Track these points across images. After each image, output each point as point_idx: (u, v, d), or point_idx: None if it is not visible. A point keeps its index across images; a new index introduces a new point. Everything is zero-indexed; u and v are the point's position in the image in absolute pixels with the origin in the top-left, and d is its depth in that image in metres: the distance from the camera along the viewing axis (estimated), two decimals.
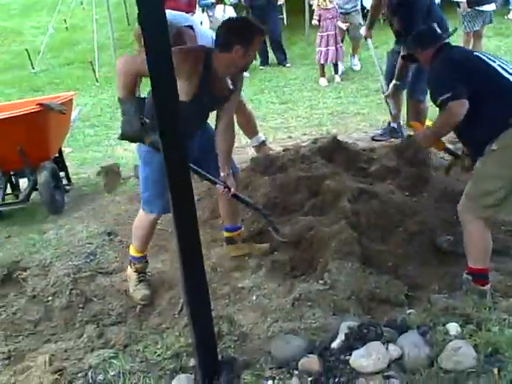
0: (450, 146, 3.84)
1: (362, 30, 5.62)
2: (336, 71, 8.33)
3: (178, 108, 2.31)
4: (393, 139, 5.56)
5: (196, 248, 2.67)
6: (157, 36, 2.19)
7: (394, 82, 5.20)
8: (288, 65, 9.22)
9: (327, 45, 8.00)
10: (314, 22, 8.20)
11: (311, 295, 3.29)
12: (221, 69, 3.15)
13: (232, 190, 3.46)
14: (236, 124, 4.40)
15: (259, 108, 7.21)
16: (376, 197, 4.09)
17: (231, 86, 3.31)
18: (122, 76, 3.06)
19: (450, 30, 4.18)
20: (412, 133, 4.02)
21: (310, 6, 9.28)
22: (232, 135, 3.50)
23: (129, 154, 6.29)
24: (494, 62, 3.14)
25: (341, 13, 8.03)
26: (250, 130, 5.19)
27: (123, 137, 3.13)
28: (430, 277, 3.51)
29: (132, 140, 3.25)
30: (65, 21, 13.22)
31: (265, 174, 4.65)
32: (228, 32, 3.13)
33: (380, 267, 3.54)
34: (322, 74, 8.33)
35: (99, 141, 6.78)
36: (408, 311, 3.10)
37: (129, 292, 3.66)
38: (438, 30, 3.43)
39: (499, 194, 3.02)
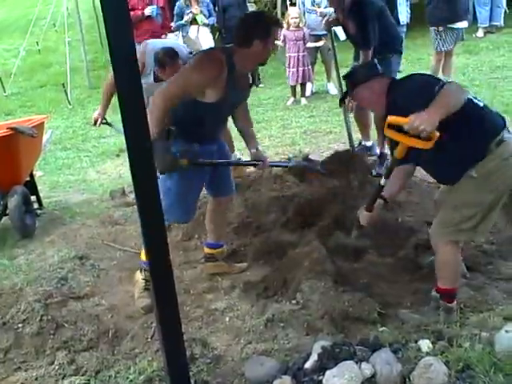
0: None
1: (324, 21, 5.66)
2: (303, 93, 8.39)
3: (147, 127, 2.31)
4: None
5: (167, 271, 2.66)
6: (126, 64, 2.18)
7: None
8: (261, 85, 9.29)
9: (294, 65, 8.09)
10: (278, 42, 8.27)
11: (284, 315, 3.30)
12: (243, 65, 3.24)
13: (267, 160, 3.74)
14: None
15: (233, 128, 7.22)
16: (347, 215, 4.12)
17: (251, 80, 3.48)
18: (160, 111, 3.10)
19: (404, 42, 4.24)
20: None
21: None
22: (250, 118, 3.92)
23: (102, 177, 6.26)
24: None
25: (312, 35, 8.13)
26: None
27: (162, 172, 3.22)
28: (401, 294, 3.53)
29: (171, 171, 3.29)
30: (37, 43, 13.17)
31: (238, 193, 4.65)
32: (246, 27, 3.23)
33: (353, 285, 3.55)
34: (293, 94, 8.41)
35: (71, 164, 6.73)
36: (380, 329, 3.12)
37: (134, 296, 3.69)
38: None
39: (476, 218, 2.97)
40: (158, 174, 3.07)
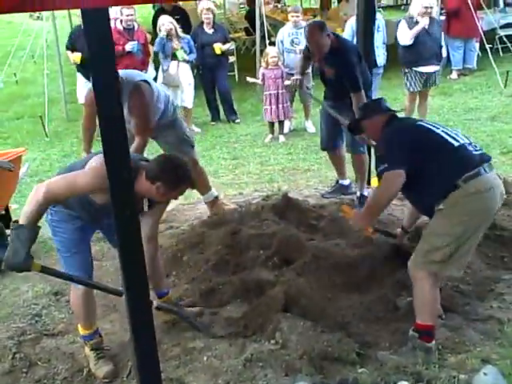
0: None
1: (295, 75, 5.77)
2: (281, 130, 8.48)
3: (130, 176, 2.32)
4: (343, 196, 5.67)
5: (146, 309, 2.64)
6: (108, 99, 2.20)
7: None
8: (238, 121, 9.36)
9: (274, 103, 8.19)
10: (257, 81, 8.38)
11: (263, 355, 3.28)
12: (138, 189, 2.98)
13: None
14: None
15: (210, 164, 7.26)
16: (326, 253, 4.15)
17: (146, 208, 3.25)
18: (39, 202, 2.89)
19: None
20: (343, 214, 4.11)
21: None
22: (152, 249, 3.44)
23: None
24: (438, 128, 3.30)
25: (290, 74, 8.26)
26: (203, 185, 5.20)
27: (8, 268, 2.90)
28: (380, 334, 3.54)
29: (18, 270, 2.99)
30: (15, 74, 13.12)
31: (215, 231, 4.64)
32: (161, 166, 3.11)
33: (331, 324, 3.55)
34: (271, 131, 8.48)
35: None
36: (360, 370, 3.12)
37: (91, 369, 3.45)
38: (386, 104, 3.62)
39: (446, 250, 3.12)
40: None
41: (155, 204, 3.32)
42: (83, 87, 8.26)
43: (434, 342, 3.21)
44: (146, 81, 4.56)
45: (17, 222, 2.98)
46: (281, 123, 8.44)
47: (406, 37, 7.42)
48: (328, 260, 4.08)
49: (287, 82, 8.23)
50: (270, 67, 8.09)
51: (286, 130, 8.55)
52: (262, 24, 10.26)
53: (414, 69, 7.34)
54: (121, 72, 4.58)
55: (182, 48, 8.69)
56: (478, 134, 7.64)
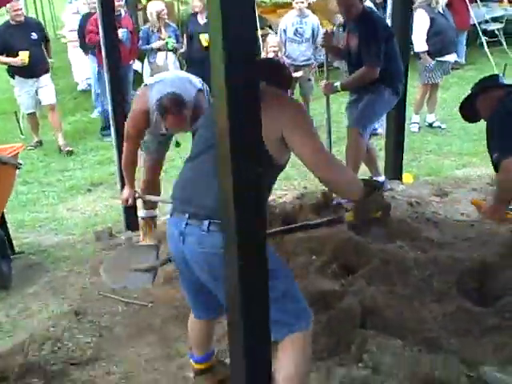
0: None
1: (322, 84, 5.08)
2: None
3: None
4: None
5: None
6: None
7: None
8: None
9: None
10: None
11: (356, 383, 2.73)
12: None
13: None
14: None
15: None
16: (394, 257, 3.64)
17: None
18: None
19: None
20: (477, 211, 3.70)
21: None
22: None
23: (74, 215, 5.50)
24: None
25: (292, 65, 7.72)
26: None
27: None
28: (477, 350, 3.03)
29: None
30: None
31: None
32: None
33: (419, 341, 3.03)
34: None
35: (36, 200, 5.90)
36: None
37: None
38: (504, 80, 3.18)
39: None
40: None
41: None
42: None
43: None
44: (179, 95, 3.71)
45: None
46: None
47: (425, 24, 6.92)
48: (398, 265, 3.57)
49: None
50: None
51: None
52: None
53: (438, 59, 6.91)
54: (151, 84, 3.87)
55: (170, 37, 8.13)
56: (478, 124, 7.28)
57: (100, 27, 4.50)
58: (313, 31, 7.59)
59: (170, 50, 8.19)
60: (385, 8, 8.61)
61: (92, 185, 6.20)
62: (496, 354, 2.95)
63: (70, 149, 7.44)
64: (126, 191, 4.05)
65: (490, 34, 11.34)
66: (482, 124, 3.21)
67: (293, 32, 7.64)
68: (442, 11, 6.93)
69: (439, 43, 6.87)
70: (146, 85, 3.93)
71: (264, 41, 8.10)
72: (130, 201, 4.06)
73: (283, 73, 2.67)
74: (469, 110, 3.24)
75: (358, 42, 4.54)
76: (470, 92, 3.23)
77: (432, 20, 6.89)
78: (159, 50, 8.01)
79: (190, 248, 2.27)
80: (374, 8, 6.98)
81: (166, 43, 8.10)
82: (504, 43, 11.32)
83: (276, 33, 8.43)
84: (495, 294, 3.43)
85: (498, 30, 11.46)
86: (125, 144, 3.91)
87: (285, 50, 7.71)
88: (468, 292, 3.51)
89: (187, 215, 2.27)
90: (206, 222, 2.20)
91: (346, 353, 2.96)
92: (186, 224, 2.27)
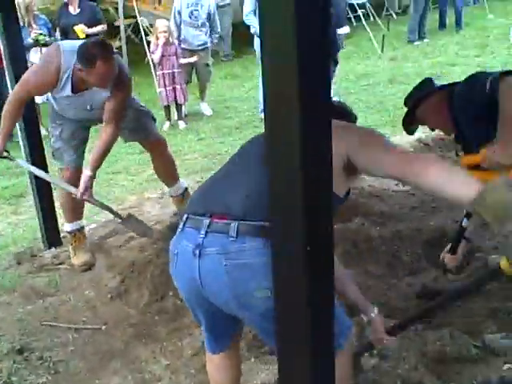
0: None
1: None
2: (180, 115, 7.57)
3: None
4: None
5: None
6: None
7: None
8: None
9: (166, 85, 7.24)
10: (154, 57, 7.32)
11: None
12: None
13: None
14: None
15: (120, 160, 6.23)
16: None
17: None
18: None
19: None
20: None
21: (148, 44, 8.46)
22: None
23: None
24: None
25: (187, 50, 7.34)
26: (170, 175, 4.38)
27: None
28: (475, 320, 2.95)
29: None
30: None
31: None
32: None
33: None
34: (168, 117, 7.53)
35: None
36: (505, 366, 2.53)
37: None
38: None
39: None
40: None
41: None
42: None
43: None
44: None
45: None
46: (179, 107, 7.51)
47: None
48: (367, 244, 3.44)
49: (183, 61, 7.37)
50: (160, 43, 7.09)
51: (182, 115, 7.63)
52: None
53: None
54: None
55: (41, 34, 7.45)
56: (386, 98, 7.46)
57: None
58: (208, 14, 7.27)
59: (44, 45, 7.51)
60: None
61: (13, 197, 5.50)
62: (491, 319, 2.91)
63: None
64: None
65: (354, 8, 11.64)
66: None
67: (188, 15, 7.25)
68: None
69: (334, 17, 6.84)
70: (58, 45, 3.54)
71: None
72: None
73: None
74: (411, 124, 2.97)
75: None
76: (406, 107, 2.93)
77: None
78: (35, 45, 7.31)
79: (209, 263, 1.81)
80: None
81: (37, 40, 7.39)
82: (375, 15, 11.71)
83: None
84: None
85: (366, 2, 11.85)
86: (7, 107, 3.52)
87: (179, 33, 7.32)
88: (436, 261, 3.44)
89: (207, 221, 1.84)
90: (235, 225, 1.79)
91: None
92: (206, 233, 1.83)
